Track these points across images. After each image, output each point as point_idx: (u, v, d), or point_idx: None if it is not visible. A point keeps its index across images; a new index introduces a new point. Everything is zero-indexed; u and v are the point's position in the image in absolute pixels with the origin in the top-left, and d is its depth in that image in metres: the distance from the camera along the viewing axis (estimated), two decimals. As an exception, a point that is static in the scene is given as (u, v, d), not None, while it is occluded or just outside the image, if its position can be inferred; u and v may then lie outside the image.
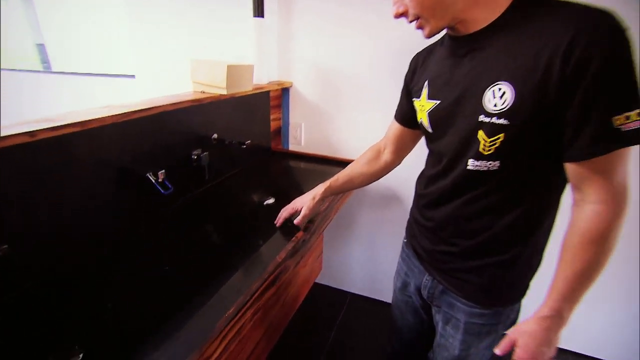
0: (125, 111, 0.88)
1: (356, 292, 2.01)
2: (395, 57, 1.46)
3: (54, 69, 2.64)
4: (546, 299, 0.66)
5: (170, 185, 0.98)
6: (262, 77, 1.54)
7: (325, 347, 1.68)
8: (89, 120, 0.80)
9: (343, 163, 1.61)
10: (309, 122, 1.74)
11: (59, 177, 0.79)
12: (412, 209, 0.91)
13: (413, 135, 0.93)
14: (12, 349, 0.64)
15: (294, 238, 0.96)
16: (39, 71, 2.67)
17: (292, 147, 1.81)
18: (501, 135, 0.62)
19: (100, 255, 0.89)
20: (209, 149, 1.24)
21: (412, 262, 0.91)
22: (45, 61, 2.68)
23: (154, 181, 0.95)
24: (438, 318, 0.85)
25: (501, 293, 0.76)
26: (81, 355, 0.66)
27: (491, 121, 0.62)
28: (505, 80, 0.60)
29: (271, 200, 1.27)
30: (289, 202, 1.05)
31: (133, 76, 2.04)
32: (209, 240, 1.02)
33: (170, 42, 1.85)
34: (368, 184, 1.04)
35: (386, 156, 0.99)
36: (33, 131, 0.70)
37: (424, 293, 0.86)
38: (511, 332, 0.70)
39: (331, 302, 1.96)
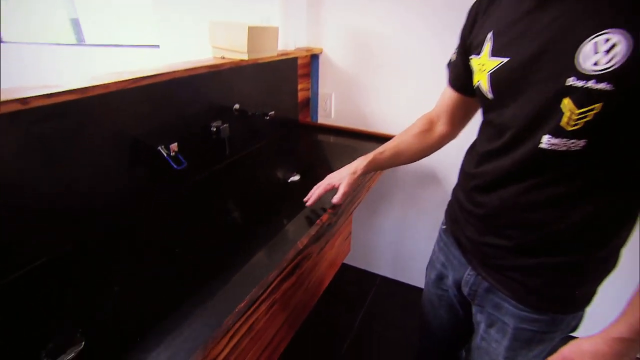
0: (132, 77, 0.79)
1: (386, 275, 1.91)
2: (443, 14, 1.26)
3: (87, 42, 2.64)
4: (624, 315, 0.53)
5: (184, 160, 0.90)
6: (289, 42, 1.40)
7: (352, 332, 1.61)
8: (90, 87, 0.72)
9: (377, 138, 1.47)
10: (340, 92, 1.59)
11: (57, 149, 0.72)
12: (455, 189, 0.78)
13: (472, 104, 0.76)
14: (12, 333, 0.60)
15: (318, 221, 0.86)
16: (73, 44, 2.69)
17: (321, 119, 1.68)
18: (597, 105, 0.47)
19: (105, 236, 0.83)
20: (229, 120, 1.15)
21: (451, 252, 0.79)
22: (78, 33, 2.70)
23: (165, 155, 0.86)
24: (480, 318, 0.74)
25: (563, 299, 0.63)
26: (83, 344, 0.61)
27: (586, 86, 0.47)
28: (618, 28, 0.44)
29: (296, 178, 1.17)
30: (316, 180, 0.93)
31: (157, 46, 1.97)
32: (226, 220, 0.94)
33: (193, 8, 1.74)
34: (417, 160, 0.89)
35: (440, 128, 0.84)
36: (26, 98, 0.63)
37: (465, 289, 0.75)
38: (568, 350, 0.57)
39: (359, 284, 1.87)
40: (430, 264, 0.89)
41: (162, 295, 0.69)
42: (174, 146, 0.88)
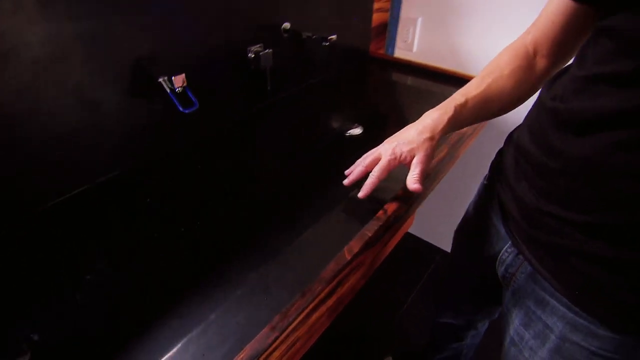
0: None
1: (448, 251, 1.63)
2: None
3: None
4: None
5: (194, 100, 0.63)
6: None
7: (402, 309, 1.42)
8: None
9: None
10: (429, 18, 1.19)
11: None
12: (516, 132, 0.57)
13: (589, 19, 0.50)
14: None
15: (380, 212, 0.57)
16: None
17: (400, 53, 1.29)
18: None
19: (83, 202, 0.63)
20: (274, 44, 0.84)
21: (489, 217, 0.61)
22: None
23: (168, 91, 0.59)
24: (513, 311, 0.57)
25: None
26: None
27: None
28: None
29: (357, 130, 0.87)
30: (383, 137, 0.62)
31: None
32: (254, 189, 0.68)
33: None
34: (510, 110, 0.62)
35: (541, 62, 0.58)
36: None
37: (499, 269, 0.59)
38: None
39: (418, 257, 1.63)
40: (461, 229, 0.73)
41: (153, 294, 0.47)
42: (179, 78, 0.60)
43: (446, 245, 1.65)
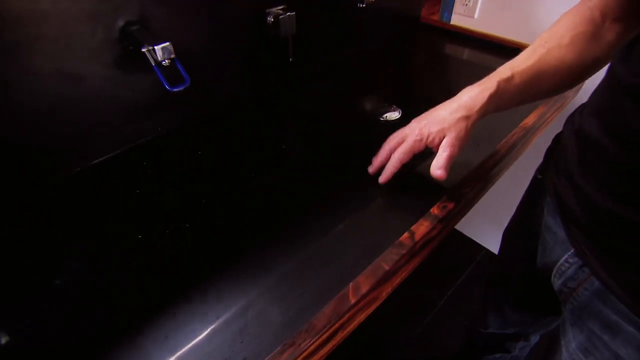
0: None
1: (492, 250, 1.48)
2: None
3: None
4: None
5: (185, 75, 0.51)
6: None
7: (433, 311, 1.30)
8: None
9: None
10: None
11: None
12: (578, 116, 0.46)
13: None
14: None
15: (436, 209, 0.44)
16: None
17: (457, 19, 1.07)
18: None
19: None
20: (298, 7, 0.69)
21: (545, 219, 0.51)
22: None
23: (153, 63, 0.48)
24: (570, 331, 0.49)
25: None
26: None
27: None
28: None
29: (395, 114, 0.72)
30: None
31: None
32: (263, 181, 0.57)
33: None
34: (569, 88, 0.52)
35: (611, 28, 0.47)
36: None
37: (556, 282, 0.49)
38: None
39: (460, 254, 1.48)
40: (511, 230, 0.65)
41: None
42: (164, 49, 0.47)
43: (490, 243, 1.47)
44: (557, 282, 0.50)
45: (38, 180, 0.55)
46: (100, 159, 0.60)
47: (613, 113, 0.39)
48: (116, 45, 0.53)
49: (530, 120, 0.66)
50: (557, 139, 0.51)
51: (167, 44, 0.47)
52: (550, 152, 0.52)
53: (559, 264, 0.49)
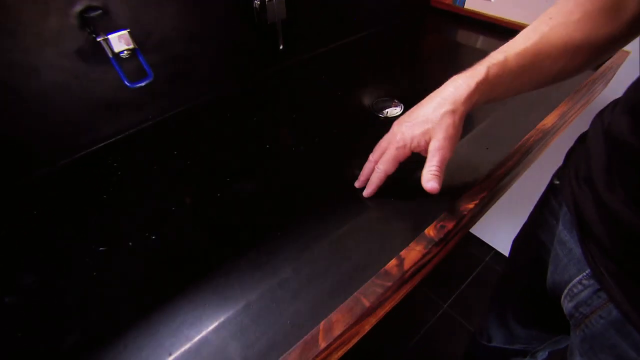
0: None
1: (501, 251, 1.41)
2: None
3: None
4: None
5: (148, 69, 0.45)
6: None
7: (434, 318, 1.22)
8: None
9: None
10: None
11: None
12: (608, 114, 0.39)
13: None
14: None
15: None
16: None
17: (472, 3, 0.97)
18: None
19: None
20: (289, -13, 0.61)
21: (560, 232, 0.45)
22: None
23: (110, 55, 0.42)
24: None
25: None
26: None
27: None
28: None
29: (397, 110, 0.66)
30: None
31: None
32: (243, 184, 0.51)
33: None
34: (579, 73, 0.43)
35: (634, 4, 0.38)
36: None
37: (567, 304, 0.43)
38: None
39: (468, 254, 1.40)
40: (521, 240, 0.59)
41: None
42: (120, 38, 0.40)
43: (501, 245, 1.40)
44: (567, 305, 0.44)
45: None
46: (67, 160, 0.54)
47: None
48: (77, 34, 0.47)
49: (549, 120, 0.57)
50: (582, 139, 0.45)
51: (124, 32, 0.40)
52: (572, 155, 0.46)
53: (571, 284, 0.43)
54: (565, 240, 0.44)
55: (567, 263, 0.44)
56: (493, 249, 1.41)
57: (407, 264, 0.37)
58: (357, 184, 0.49)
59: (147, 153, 0.55)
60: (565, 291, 0.45)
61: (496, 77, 0.42)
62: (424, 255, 0.38)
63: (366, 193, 0.47)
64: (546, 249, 0.50)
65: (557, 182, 0.49)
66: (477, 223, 1.43)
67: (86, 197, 0.50)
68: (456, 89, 0.42)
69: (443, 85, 0.44)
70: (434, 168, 0.40)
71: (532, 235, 0.55)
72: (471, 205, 0.43)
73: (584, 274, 0.41)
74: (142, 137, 0.57)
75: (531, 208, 0.58)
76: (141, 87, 0.49)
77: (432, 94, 0.44)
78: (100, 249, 0.44)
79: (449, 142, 0.41)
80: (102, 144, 0.56)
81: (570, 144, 0.48)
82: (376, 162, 0.46)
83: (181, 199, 0.49)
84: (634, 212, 0.33)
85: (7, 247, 0.44)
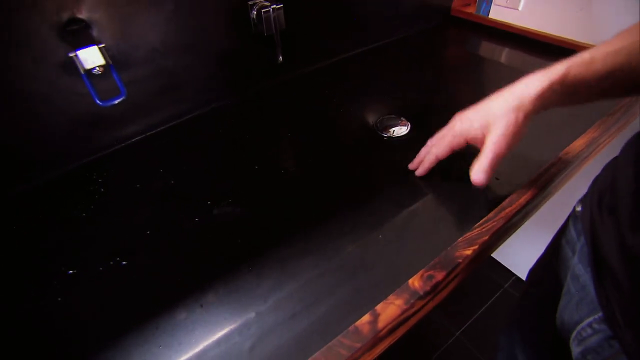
0: None
1: (521, 276, 1.33)
2: None
3: None
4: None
5: (121, 86, 0.42)
6: None
7: (445, 345, 1.15)
8: None
9: None
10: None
11: None
12: (637, 140, 0.35)
13: None
14: None
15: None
16: None
17: (497, 13, 0.90)
18: None
19: None
20: (290, -3, 0.58)
21: (576, 266, 0.40)
22: None
23: (81, 72, 0.39)
24: None
25: None
26: None
27: None
28: None
29: (403, 129, 0.61)
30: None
31: None
32: (224, 215, 0.47)
33: None
34: None
35: None
36: None
37: (575, 347, 0.39)
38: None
39: (488, 279, 1.32)
40: (538, 270, 0.54)
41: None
42: (90, 54, 0.38)
43: (522, 271, 1.30)
44: (575, 349, 0.40)
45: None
46: (50, 175, 0.53)
47: None
48: (58, 46, 0.45)
49: (576, 147, 0.50)
50: (611, 167, 0.41)
51: (93, 47, 0.38)
52: (597, 182, 0.42)
53: (580, 327, 0.39)
54: (579, 275, 0.41)
55: (579, 301, 0.40)
56: (514, 274, 1.32)
57: (382, 322, 0.32)
58: (410, 166, 0.51)
59: (132, 170, 0.53)
60: (574, 333, 0.40)
61: (578, 78, 0.38)
62: (403, 312, 0.33)
63: (418, 172, 0.49)
64: (560, 282, 0.46)
65: (579, 211, 0.44)
66: (507, 253, 1.33)
67: (65, 215, 0.48)
68: (527, 86, 0.40)
69: (517, 81, 0.42)
70: (484, 162, 0.40)
71: (547, 267, 0.50)
72: (468, 252, 0.37)
73: (596, 316, 0.37)
74: (128, 153, 0.55)
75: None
76: (125, 102, 0.47)
77: (505, 89, 0.42)
78: (69, 272, 0.42)
79: (505, 139, 0.40)
80: (88, 159, 0.55)
81: (598, 170, 0.42)
82: (432, 147, 0.47)
83: (159, 222, 0.46)
84: None
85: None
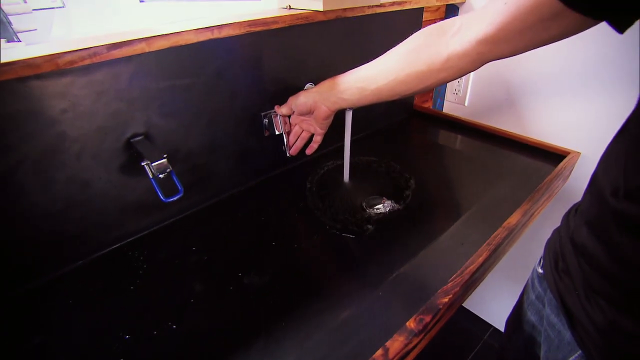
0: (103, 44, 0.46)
1: (499, 328, 1.41)
2: None
3: None
4: None
5: (180, 186, 0.56)
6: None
7: None
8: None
9: (540, 151, 0.91)
10: (484, 67, 1.02)
11: None
12: (569, 220, 0.47)
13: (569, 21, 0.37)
14: None
15: None
16: None
17: (449, 107, 1.14)
18: None
19: None
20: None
21: (547, 316, 0.49)
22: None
23: (150, 176, 0.54)
24: None
25: None
26: None
27: None
28: None
29: (384, 206, 0.73)
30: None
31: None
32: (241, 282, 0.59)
33: None
34: (412, 92, 0.57)
35: (456, 39, 0.48)
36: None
37: None
38: None
39: (461, 333, 1.40)
40: (514, 320, 0.61)
41: None
42: (160, 165, 0.52)
43: (498, 321, 1.41)
44: None
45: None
46: (99, 253, 0.63)
47: (596, 204, 0.38)
48: (122, 154, 0.59)
49: (514, 218, 0.67)
50: (557, 234, 0.49)
51: (163, 160, 0.52)
52: (550, 247, 0.51)
53: None
54: (554, 323, 0.48)
55: (559, 344, 0.47)
56: (491, 325, 1.42)
57: (392, 353, 0.44)
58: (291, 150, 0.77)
59: (169, 248, 0.64)
60: None
61: (356, 98, 0.62)
62: (405, 345, 0.45)
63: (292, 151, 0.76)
64: (537, 330, 0.54)
65: (541, 272, 0.53)
66: (473, 299, 1.44)
67: (116, 288, 0.57)
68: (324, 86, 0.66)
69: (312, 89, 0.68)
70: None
71: (522, 316, 0.58)
72: (446, 300, 0.51)
73: (576, 355, 0.44)
74: (164, 234, 0.67)
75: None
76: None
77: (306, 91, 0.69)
78: (126, 337, 0.51)
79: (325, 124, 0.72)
80: (130, 239, 0.66)
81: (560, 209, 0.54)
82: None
83: (200, 290, 0.56)
84: (608, 305, 0.37)
85: (50, 331, 0.50)
